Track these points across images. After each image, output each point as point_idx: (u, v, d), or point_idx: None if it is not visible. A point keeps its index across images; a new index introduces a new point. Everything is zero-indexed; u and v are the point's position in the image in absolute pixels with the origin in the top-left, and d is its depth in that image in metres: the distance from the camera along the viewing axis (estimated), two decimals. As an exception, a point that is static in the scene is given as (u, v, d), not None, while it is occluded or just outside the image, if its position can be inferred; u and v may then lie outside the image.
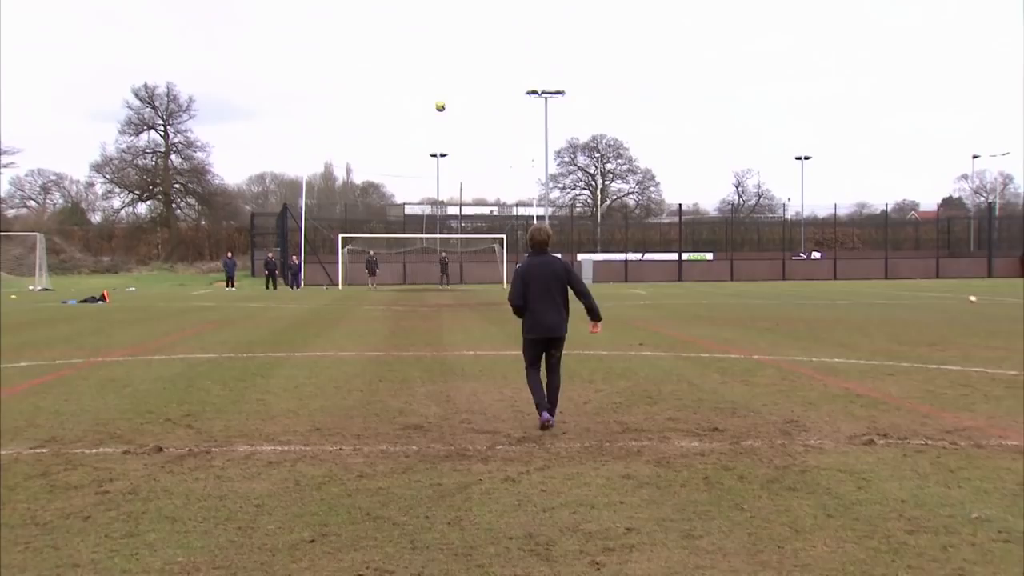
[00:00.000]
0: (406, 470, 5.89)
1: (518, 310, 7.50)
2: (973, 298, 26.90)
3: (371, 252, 48.52)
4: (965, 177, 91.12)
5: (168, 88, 72.34)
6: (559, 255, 7.93)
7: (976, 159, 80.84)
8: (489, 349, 13.34)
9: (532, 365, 7.56)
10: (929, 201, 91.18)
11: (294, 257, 48.60)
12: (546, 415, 7.34)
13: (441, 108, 34.76)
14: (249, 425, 7.48)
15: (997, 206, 75.25)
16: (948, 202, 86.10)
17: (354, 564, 4.14)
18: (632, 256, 60.23)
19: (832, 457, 6.20)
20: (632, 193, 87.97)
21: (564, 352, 7.65)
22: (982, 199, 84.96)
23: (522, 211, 70.47)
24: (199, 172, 74.10)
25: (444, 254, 51.70)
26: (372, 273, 46.36)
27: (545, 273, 7.39)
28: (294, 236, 52.79)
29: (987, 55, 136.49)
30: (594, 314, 7.59)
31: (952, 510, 4.93)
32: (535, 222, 8.28)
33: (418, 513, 4.91)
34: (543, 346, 7.51)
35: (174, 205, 74.31)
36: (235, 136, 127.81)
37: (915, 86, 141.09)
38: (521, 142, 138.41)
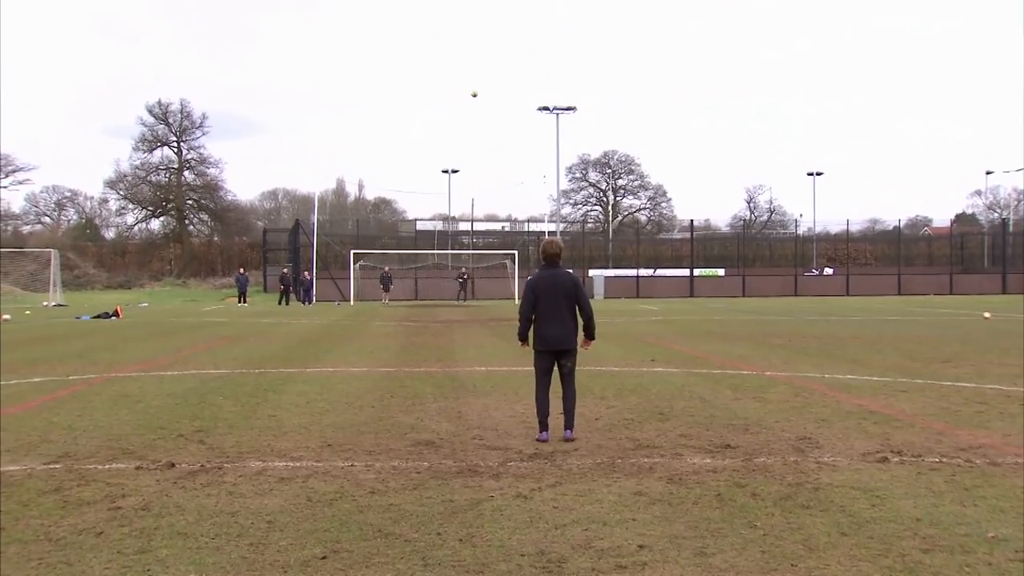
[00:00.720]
0: (418, 486, 5.88)
1: (523, 326, 7.66)
2: (987, 314, 26.71)
3: (386, 268, 48.65)
4: (978, 193, 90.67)
5: (182, 105, 73.15)
6: (571, 270, 8.01)
7: (989, 175, 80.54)
8: (500, 365, 13.33)
9: (543, 376, 7.65)
10: (942, 217, 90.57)
11: (306, 273, 48.77)
12: (546, 434, 7.47)
13: (475, 95, 38.17)
14: (261, 441, 7.50)
15: (1011, 222, 74.78)
16: (961, 218, 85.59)
17: (366, 581, 4.14)
18: (644, 272, 60.11)
19: (845, 474, 6.16)
20: (644, 209, 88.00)
21: (576, 368, 7.72)
22: (996, 215, 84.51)
23: (534, 227, 70.57)
24: (212, 188, 74.62)
25: (463, 269, 51.59)
26: (386, 289, 46.48)
27: (555, 286, 7.54)
28: (306, 252, 52.99)
29: (1001, 70, 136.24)
30: (589, 332, 7.76)
31: (968, 529, 4.88)
32: (546, 238, 8.33)
33: (430, 530, 4.90)
34: (552, 358, 7.64)
35: (187, 221, 74.85)
36: (248, 152, 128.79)
37: (928, 101, 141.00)
38: (532, 158, 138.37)
